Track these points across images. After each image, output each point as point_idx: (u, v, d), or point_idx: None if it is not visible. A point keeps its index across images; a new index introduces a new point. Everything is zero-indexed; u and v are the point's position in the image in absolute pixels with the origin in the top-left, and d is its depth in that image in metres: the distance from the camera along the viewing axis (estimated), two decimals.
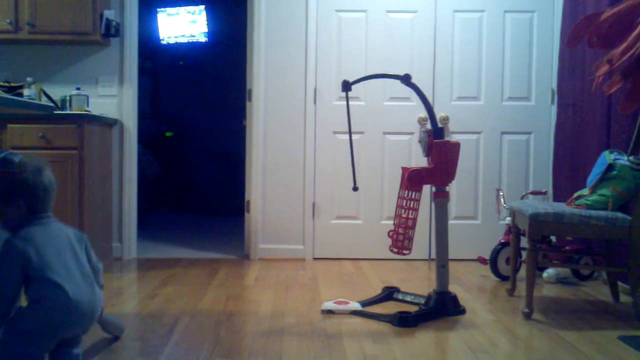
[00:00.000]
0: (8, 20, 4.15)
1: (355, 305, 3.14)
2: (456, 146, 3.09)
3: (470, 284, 3.81)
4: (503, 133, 4.59)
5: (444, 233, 3.13)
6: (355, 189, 3.16)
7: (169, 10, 7.82)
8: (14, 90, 4.16)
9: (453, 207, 4.56)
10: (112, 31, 4.32)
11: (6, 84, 4.18)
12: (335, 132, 4.56)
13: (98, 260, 2.30)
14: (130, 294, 3.46)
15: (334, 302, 3.17)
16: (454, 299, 3.11)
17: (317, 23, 4.54)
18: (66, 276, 2.03)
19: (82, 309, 2.04)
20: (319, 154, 4.58)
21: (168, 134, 7.81)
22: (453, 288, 3.48)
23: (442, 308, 3.05)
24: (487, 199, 4.57)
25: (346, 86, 3.13)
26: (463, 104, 4.57)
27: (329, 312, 3.08)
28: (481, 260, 4.07)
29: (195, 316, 2.99)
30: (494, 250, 3.94)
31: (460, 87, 4.57)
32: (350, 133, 3.17)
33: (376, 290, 3.54)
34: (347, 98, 3.18)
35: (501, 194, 4.07)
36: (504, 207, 3.98)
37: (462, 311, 3.10)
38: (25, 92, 4.18)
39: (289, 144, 4.58)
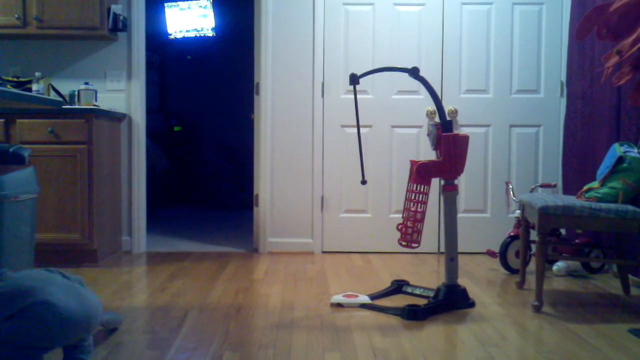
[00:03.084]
0: (16, 16, 4.17)
1: (364, 299, 3.14)
2: (465, 139, 3.08)
3: (479, 277, 3.80)
4: (512, 126, 4.57)
5: (453, 226, 3.13)
6: (363, 182, 3.15)
7: (181, 4, 7.81)
8: (23, 85, 4.18)
9: (462, 200, 4.55)
10: (119, 26, 4.33)
11: (15, 79, 4.20)
12: (343, 126, 4.55)
13: (79, 278, 2.32)
14: (139, 288, 3.47)
15: (343, 296, 3.17)
16: (463, 292, 3.10)
17: (325, 16, 4.53)
18: (54, 292, 2.02)
19: (75, 319, 2.02)
20: (327, 147, 4.57)
21: (176, 128, 7.83)
22: (462, 281, 3.48)
23: (451, 301, 3.05)
24: (496, 192, 4.56)
25: (354, 79, 3.12)
26: (471, 97, 4.55)
27: (338, 305, 3.09)
28: (490, 254, 4.06)
29: (205, 309, 3.00)
30: (503, 244, 3.93)
31: (468, 79, 4.55)
32: (358, 126, 3.16)
33: (385, 283, 3.54)
34: (355, 91, 3.17)
35: (510, 187, 4.06)
36: (513, 200, 3.97)
37: (472, 304, 3.10)
38: (34, 87, 4.20)
39: (297, 138, 4.57)
